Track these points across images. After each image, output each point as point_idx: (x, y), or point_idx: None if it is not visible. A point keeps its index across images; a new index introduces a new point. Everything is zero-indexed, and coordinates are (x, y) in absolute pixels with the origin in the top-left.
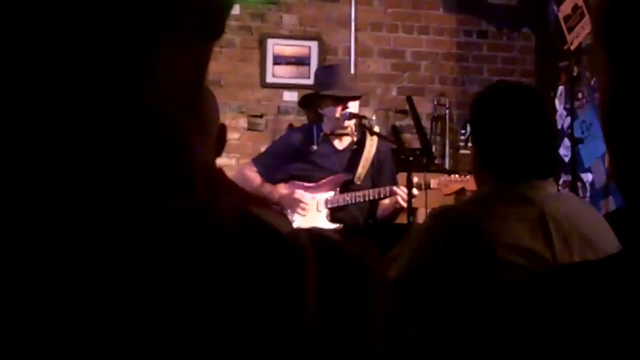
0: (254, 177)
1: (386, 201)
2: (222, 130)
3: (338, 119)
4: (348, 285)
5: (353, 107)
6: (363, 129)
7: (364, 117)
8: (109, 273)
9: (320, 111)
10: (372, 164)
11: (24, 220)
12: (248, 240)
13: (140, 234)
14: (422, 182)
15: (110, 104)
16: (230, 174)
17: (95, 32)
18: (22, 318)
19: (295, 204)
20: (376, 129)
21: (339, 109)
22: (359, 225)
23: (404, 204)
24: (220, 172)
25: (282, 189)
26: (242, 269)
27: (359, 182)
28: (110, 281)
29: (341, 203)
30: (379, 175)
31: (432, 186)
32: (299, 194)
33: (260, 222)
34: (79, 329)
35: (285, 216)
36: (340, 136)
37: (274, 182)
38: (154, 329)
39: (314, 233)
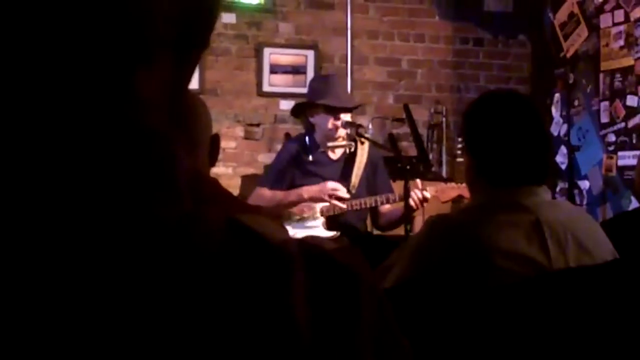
0: (266, 192)
1: (387, 207)
2: (216, 139)
3: (330, 129)
4: (337, 294)
5: (346, 118)
6: (354, 138)
7: (360, 125)
8: (94, 281)
9: (311, 120)
10: (364, 172)
11: (7, 232)
12: (235, 249)
13: (124, 243)
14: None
15: (94, 119)
16: (226, 182)
17: (79, 49)
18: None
19: (323, 191)
20: (369, 135)
21: (331, 119)
22: (358, 232)
23: (415, 205)
24: (213, 181)
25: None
26: (229, 278)
27: (353, 191)
28: (95, 289)
29: (337, 212)
30: (374, 181)
31: (429, 195)
32: (327, 184)
33: (248, 230)
34: (63, 335)
35: (279, 222)
36: (334, 148)
37: None
38: (138, 340)
39: (304, 242)
